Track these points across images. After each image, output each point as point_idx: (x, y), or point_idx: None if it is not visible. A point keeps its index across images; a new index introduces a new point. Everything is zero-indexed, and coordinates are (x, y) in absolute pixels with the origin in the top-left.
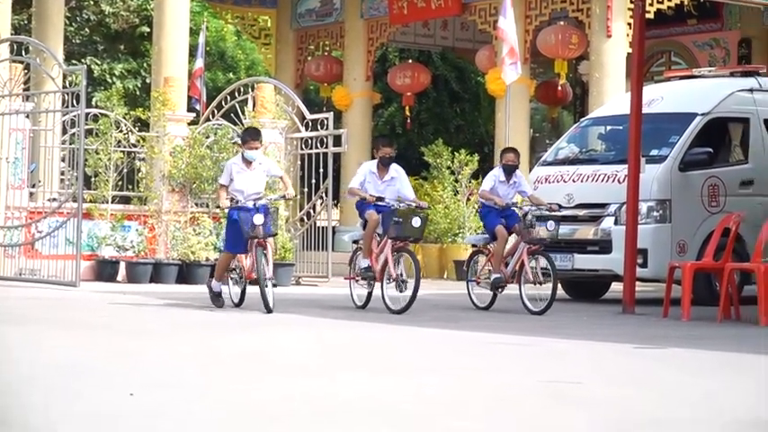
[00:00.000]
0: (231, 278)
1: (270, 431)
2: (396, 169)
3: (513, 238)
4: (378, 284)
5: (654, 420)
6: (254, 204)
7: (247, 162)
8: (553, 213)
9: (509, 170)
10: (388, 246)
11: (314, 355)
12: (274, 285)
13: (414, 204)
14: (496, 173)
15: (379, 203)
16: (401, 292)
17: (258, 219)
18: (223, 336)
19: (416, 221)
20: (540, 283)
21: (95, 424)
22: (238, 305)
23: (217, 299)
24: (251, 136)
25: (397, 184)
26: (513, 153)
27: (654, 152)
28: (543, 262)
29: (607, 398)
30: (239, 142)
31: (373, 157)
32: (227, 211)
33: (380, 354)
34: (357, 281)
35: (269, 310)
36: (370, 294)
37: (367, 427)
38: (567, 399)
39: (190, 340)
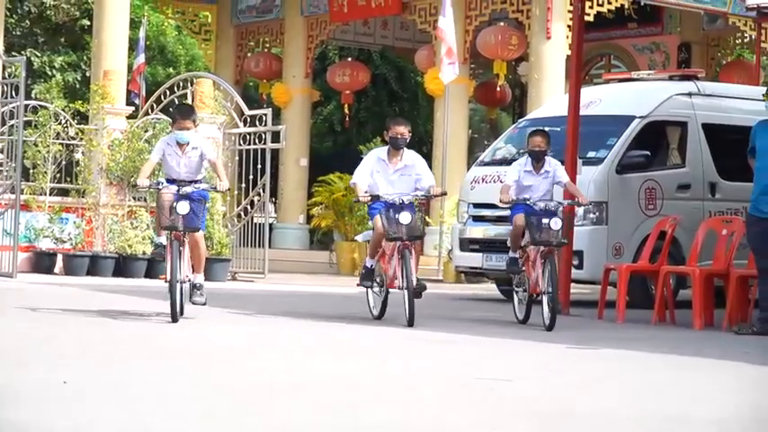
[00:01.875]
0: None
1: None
2: (411, 155)
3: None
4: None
5: (577, 413)
6: (179, 190)
7: (180, 145)
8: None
9: (537, 156)
10: (395, 249)
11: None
12: (196, 287)
13: (428, 195)
14: (521, 162)
15: (386, 200)
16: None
17: (182, 207)
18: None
19: (405, 217)
20: (542, 294)
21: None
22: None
23: None
24: (181, 114)
25: (413, 173)
26: (540, 136)
27: (591, 154)
28: (546, 269)
29: (533, 393)
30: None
31: (384, 142)
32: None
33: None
34: (371, 288)
35: (174, 320)
36: (384, 303)
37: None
38: (494, 392)
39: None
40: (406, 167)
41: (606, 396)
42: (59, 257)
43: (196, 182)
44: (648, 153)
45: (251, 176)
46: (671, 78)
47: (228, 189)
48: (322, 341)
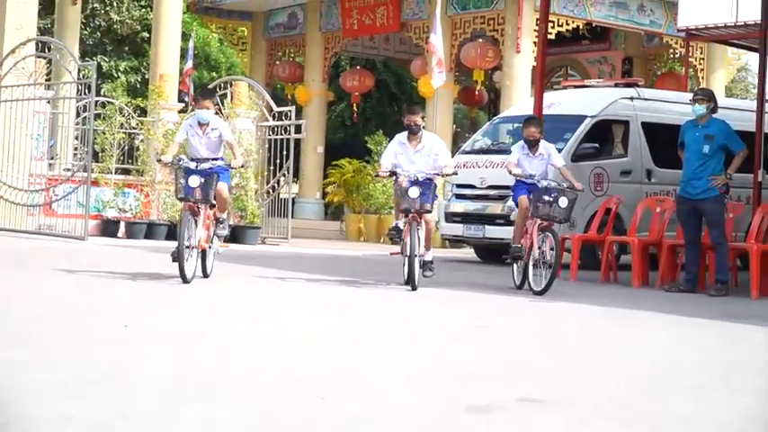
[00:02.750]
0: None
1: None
2: (429, 138)
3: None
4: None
5: (538, 354)
6: (197, 167)
7: (201, 125)
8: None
9: (532, 144)
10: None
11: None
12: (219, 221)
13: (440, 173)
14: (519, 145)
15: (404, 175)
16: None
17: (193, 180)
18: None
19: (413, 191)
20: (545, 265)
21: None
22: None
23: None
24: (202, 95)
25: (432, 153)
26: (533, 126)
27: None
28: (551, 241)
29: (500, 335)
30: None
31: (403, 128)
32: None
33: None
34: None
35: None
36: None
37: None
38: (473, 335)
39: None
40: (424, 148)
41: (560, 339)
42: (122, 224)
43: (215, 160)
44: (597, 145)
45: (278, 161)
46: (616, 85)
47: (242, 166)
48: (334, 299)
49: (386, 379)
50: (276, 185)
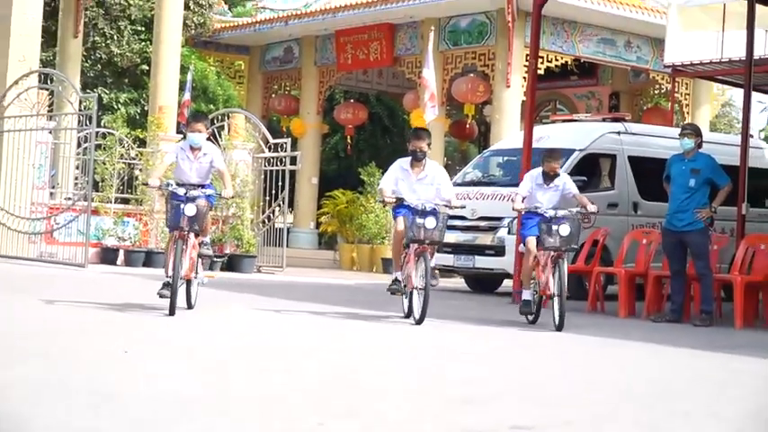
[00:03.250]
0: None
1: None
2: (433, 167)
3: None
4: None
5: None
6: (186, 194)
7: (193, 149)
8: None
9: (550, 177)
10: (411, 251)
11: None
12: (204, 243)
13: (448, 206)
14: (534, 174)
15: (411, 204)
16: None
17: (189, 209)
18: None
19: (430, 222)
20: (552, 297)
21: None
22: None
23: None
24: (195, 118)
25: (435, 183)
26: (555, 160)
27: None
28: (556, 273)
29: (486, 359)
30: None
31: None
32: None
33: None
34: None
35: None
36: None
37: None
38: (456, 358)
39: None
40: (427, 177)
41: (553, 365)
42: (121, 252)
43: (203, 186)
44: (585, 178)
45: (273, 191)
46: (604, 120)
47: (232, 196)
48: (331, 331)
49: (386, 399)
50: (271, 215)
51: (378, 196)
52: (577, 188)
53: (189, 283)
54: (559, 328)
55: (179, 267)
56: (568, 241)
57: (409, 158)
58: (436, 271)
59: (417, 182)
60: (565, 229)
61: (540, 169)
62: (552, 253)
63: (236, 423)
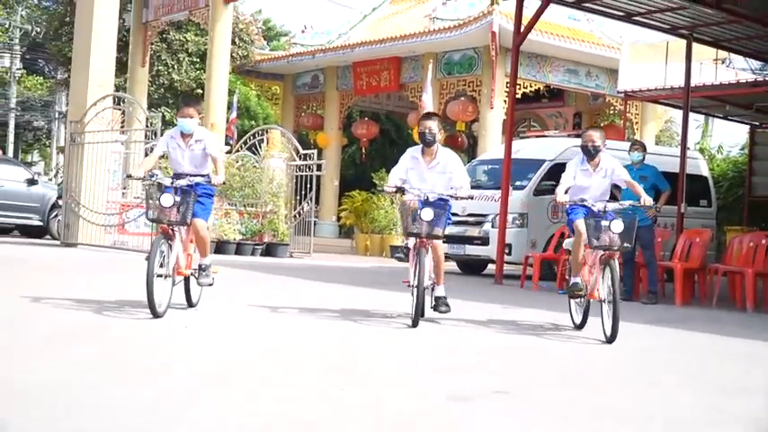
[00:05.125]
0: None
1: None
2: (446, 154)
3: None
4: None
5: (507, 345)
6: (173, 183)
7: (184, 136)
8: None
9: (590, 153)
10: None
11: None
12: (202, 269)
13: (454, 195)
14: (576, 161)
15: (413, 193)
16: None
17: (166, 199)
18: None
19: (426, 214)
20: (602, 302)
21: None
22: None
23: None
24: (186, 101)
25: (447, 171)
26: (597, 131)
27: (518, 183)
28: (608, 274)
29: (470, 332)
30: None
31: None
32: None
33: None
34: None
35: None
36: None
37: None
38: (449, 332)
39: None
40: (438, 165)
41: (528, 335)
42: None
43: (199, 176)
44: (554, 183)
45: (303, 191)
46: (569, 136)
47: (224, 183)
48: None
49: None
50: (301, 211)
51: (368, 203)
52: (550, 190)
53: (187, 281)
54: (611, 339)
55: (153, 265)
56: (622, 239)
57: (420, 147)
58: (445, 299)
59: (428, 170)
60: (617, 226)
61: (579, 154)
62: (602, 253)
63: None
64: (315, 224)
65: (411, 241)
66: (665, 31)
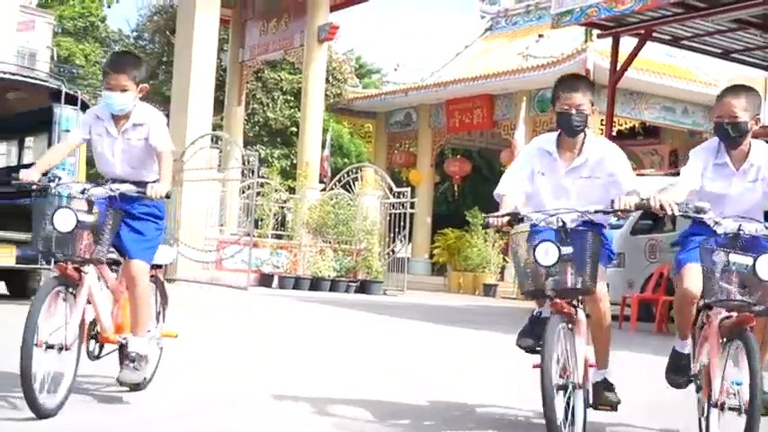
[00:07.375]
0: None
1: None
2: (599, 146)
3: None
4: None
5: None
6: (84, 192)
7: (116, 119)
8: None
9: (729, 136)
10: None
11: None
12: (129, 357)
13: (612, 210)
14: (707, 147)
15: (537, 224)
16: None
17: (61, 220)
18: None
19: (548, 253)
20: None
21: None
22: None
23: None
24: (113, 65)
25: (604, 174)
26: (736, 94)
27: (615, 222)
28: (734, 357)
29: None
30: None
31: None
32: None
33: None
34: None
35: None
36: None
37: None
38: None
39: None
40: (587, 162)
41: (634, 383)
42: (276, 278)
43: (141, 183)
44: (651, 222)
45: (396, 229)
46: (666, 174)
47: (168, 197)
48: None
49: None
50: (395, 248)
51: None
52: (647, 229)
53: (122, 348)
54: None
55: (32, 327)
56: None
57: (555, 136)
58: (613, 386)
59: (569, 173)
60: (764, 269)
61: (715, 140)
62: (724, 315)
63: None
64: (408, 261)
65: (546, 309)
66: (763, 68)
